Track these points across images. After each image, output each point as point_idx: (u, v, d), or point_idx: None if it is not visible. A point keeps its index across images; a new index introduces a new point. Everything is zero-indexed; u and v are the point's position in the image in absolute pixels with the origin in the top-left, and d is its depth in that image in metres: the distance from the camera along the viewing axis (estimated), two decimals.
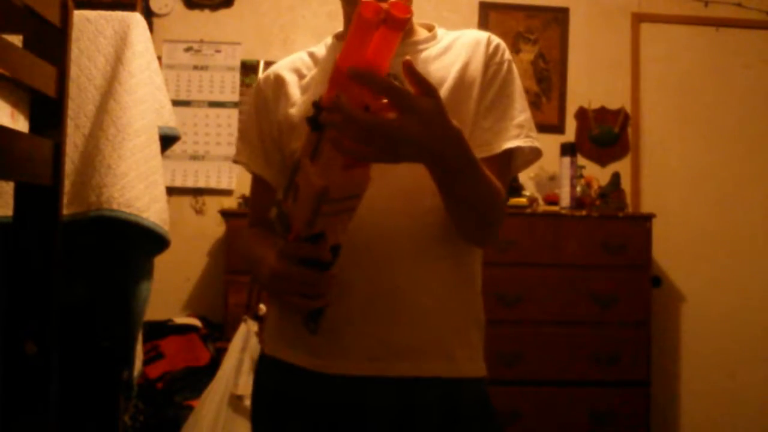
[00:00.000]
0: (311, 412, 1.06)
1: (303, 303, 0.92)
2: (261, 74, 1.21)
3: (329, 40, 1.20)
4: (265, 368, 1.17)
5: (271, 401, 1.12)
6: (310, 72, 1.16)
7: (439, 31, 1.17)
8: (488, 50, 1.11)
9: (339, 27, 1.22)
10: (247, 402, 2.25)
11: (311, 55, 1.19)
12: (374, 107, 0.77)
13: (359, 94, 0.77)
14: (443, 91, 1.06)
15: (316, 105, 0.78)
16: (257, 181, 1.21)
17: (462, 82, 1.09)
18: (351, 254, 0.96)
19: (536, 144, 1.09)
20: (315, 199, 0.79)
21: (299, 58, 1.20)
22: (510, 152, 1.08)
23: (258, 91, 1.19)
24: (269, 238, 1.07)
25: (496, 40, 1.14)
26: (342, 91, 0.76)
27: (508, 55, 1.13)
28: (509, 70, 1.12)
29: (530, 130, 1.09)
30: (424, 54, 1.12)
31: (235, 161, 1.22)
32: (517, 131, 1.08)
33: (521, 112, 1.10)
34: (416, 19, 1.17)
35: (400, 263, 1.04)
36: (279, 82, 1.17)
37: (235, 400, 2.26)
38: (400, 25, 0.79)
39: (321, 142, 0.78)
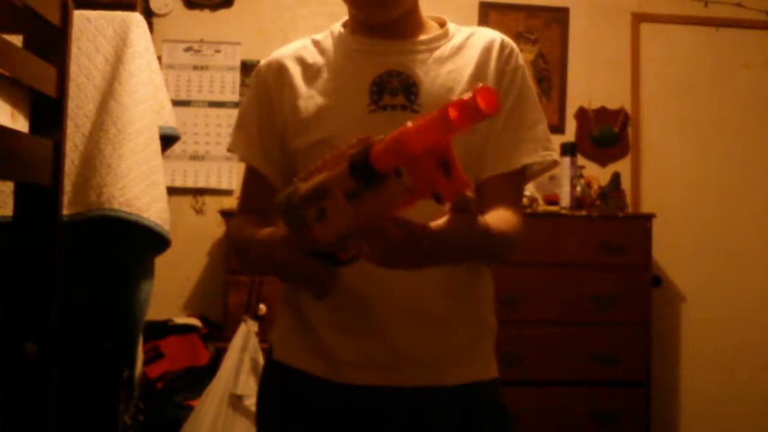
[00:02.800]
0: (323, 420, 1.05)
1: (312, 290, 0.95)
2: (262, 62, 1.16)
3: (336, 27, 1.17)
4: (274, 374, 1.14)
5: (281, 407, 1.10)
6: (316, 61, 1.13)
7: (451, 27, 1.15)
8: (502, 56, 1.10)
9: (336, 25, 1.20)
10: (247, 402, 2.25)
11: (316, 43, 1.16)
12: (444, 195, 0.72)
13: (428, 174, 0.70)
14: (457, 96, 1.06)
15: (363, 156, 0.72)
16: (251, 171, 1.17)
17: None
18: (368, 266, 0.97)
19: (553, 157, 1.10)
20: (343, 234, 0.78)
21: (303, 46, 1.16)
22: (526, 165, 1.09)
23: (258, 79, 1.15)
24: (264, 225, 1.05)
25: (509, 44, 1.12)
26: (404, 164, 0.70)
27: (521, 59, 1.12)
28: (524, 78, 1.11)
29: (547, 142, 1.10)
30: (436, 53, 1.11)
31: (230, 150, 1.18)
32: (534, 144, 1.09)
33: (537, 123, 1.10)
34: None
35: (417, 274, 1.03)
36: (282, 71, 1.12)
37: (235, 400, 2.26)
38: (479, 116, 0.69)
39: (365, 193, 0.73)
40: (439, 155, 0.70)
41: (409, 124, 0.70)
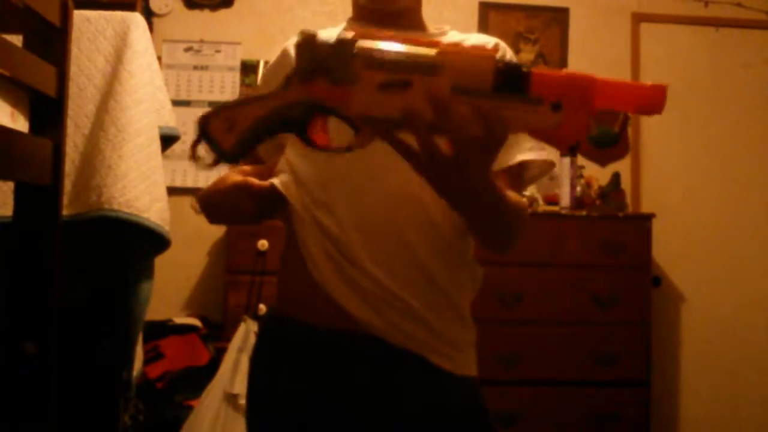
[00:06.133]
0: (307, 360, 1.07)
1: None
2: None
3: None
4: (267, 326, 1.19)
5: (269, 353, 1.15)
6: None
7: (451, 32, 1.17)
8: None
9: (339, 26, 1.22)
10: (242, 401, 2.25)
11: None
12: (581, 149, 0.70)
13: (582, 125, 0.70)
14: None
15: (519, 68, 0.66)
16: None
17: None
18: (364, 209, 0.98)
19: (549, 157, 1.10)
20: (393, 120, 0.71)
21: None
22: (523, 164, 1.08)
23: (272, 62, 1.23)
24: None
25: (502, 48, 1.12)
26: (568, 104, 0.68)
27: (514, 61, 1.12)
28: None
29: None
30: None
31: None
32: (531, 144, 1.08)
33: None
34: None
35: (388, 260, 1.03)
36: (285, 55, 1.19)
37: (232, 399, 2.26)
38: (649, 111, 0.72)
39: (497, 99, 0.67)
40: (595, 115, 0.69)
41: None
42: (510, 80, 0.66)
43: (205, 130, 0.77)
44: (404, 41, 0.70)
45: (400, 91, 0.68)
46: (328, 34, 0.73)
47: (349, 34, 0.71)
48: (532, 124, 0.68)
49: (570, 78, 0.67)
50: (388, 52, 0.69)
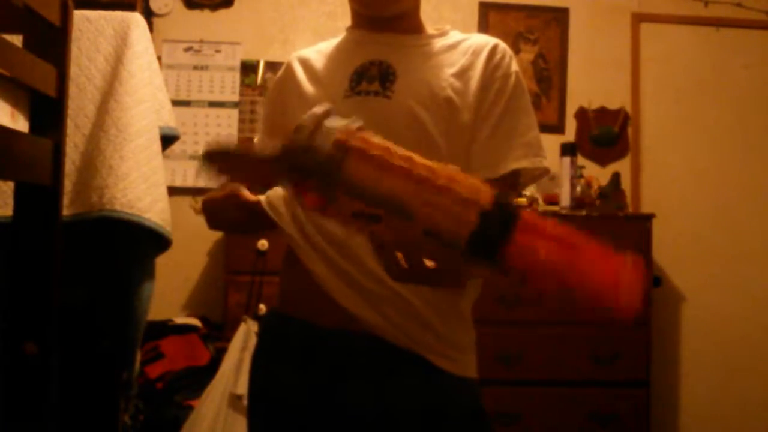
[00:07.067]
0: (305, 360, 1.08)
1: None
2: (268, 77, 1.26)
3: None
4: (268, 324, 1.20)
5: (270, 351, 1.15)
6: (317, 58, 1.18)
7: (452, 32, 1.16)
8: (491, 61, 1.09)
9: (339, 26, 1.22)
10: (246, 402, 2.25)
11: (330, 44, 1.21)
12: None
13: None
14: (432, 97, 1.06)
15: (499, 237, 0.65)
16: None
17: (455, 88, 1.07)
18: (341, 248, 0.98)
19: (544, 164, 1.08)
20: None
21: (317, 49, 1.21)
22: (516, 171, 1.07)
23: (279, 75, 1.22)
24: None
25: (502, 50, 1.11)
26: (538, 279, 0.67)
27: (514, 65, 1.10)
28: (517, 84, 1.09)
29: (538, 149, 1.08)
30: (425, 49, 1.12)
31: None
32: (524, 150, 1.06)
33: (529, 130, 1.08)
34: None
35: None
36: (289, 69, 1.19)
37: (235, 400, 2.26)
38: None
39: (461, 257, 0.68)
40: None
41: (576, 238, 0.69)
42: (484, 245, 0.66)
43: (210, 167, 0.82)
44: (402, 160, 0.70)
45: (370, 222, 0.72)
46: (331, 123, 0.74)
47: (341, 152, 0.71)
48: (490, 278, 0.72)
49: (558, 261, 0.70)
50: (370, 186, 0.70)
